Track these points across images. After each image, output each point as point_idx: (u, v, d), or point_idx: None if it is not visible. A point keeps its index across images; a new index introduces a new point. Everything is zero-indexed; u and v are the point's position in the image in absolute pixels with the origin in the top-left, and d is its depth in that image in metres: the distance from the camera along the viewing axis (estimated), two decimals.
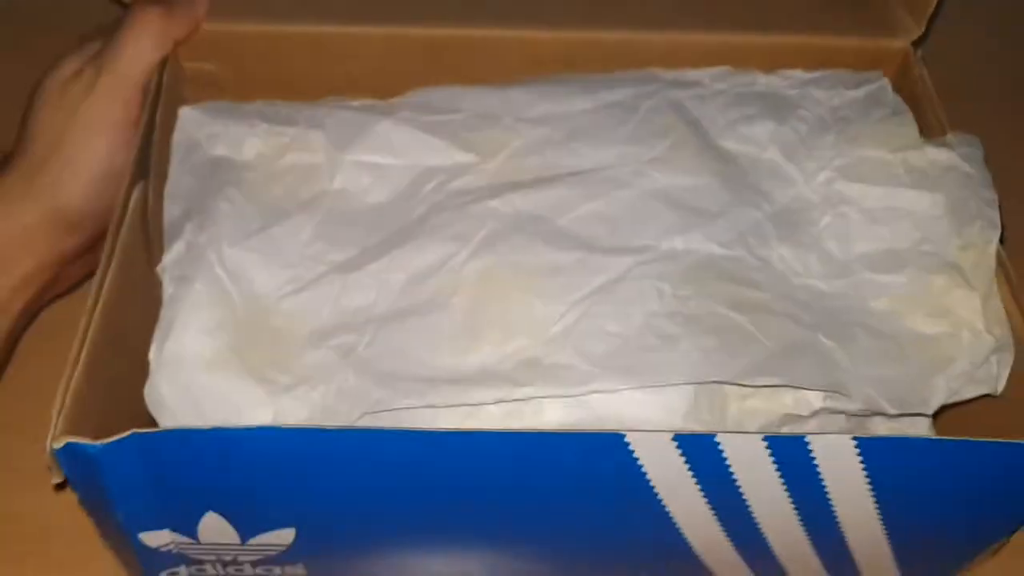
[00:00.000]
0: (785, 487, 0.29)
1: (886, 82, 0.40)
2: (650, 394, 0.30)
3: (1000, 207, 0.36)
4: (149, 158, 0.35)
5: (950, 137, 0.38)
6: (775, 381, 0.30)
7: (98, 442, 0.27)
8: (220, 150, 0.37)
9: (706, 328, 0.31)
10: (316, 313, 0.33)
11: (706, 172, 0.36)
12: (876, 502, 0.30)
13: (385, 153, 0.37)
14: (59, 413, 0.28)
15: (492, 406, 0.30)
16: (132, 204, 0.34)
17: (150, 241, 0.35)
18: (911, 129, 0.38)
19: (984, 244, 0.35)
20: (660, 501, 0.30)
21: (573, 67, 0.42)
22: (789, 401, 0.31)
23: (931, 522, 0.32)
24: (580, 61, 0.42)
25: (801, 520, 0.31)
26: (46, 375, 0.30)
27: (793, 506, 0.30)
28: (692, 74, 0.41)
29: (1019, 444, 0.28)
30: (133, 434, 0.27)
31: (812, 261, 0.35)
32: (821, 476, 0.29)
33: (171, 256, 0.33)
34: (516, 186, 0.35)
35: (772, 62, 0.42)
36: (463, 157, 0.37)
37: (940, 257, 0.35)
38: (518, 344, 0.31)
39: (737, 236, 0.35)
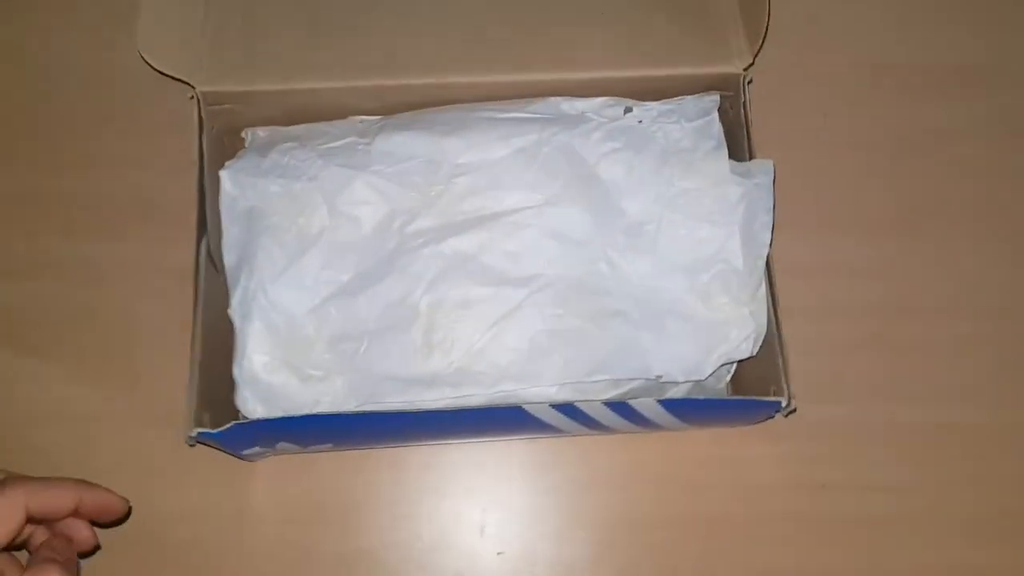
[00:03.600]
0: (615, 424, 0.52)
1: (715, 117, 0.56)
2: (535, 387, 0.51)
3: (773, 227, 0.54)
4: (205, 218, 0.53)
5: (752, 164, 0.55)
6: (606, 376, 0.51)
7: (216, 430, 0.48)
8: (252, 201, 0.54)
9: (566, 341, 0.51)
10: (331, 323, 0.52)
11: (583, 204, 0.54)
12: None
13: (363, 199, 0.54)
14: (190, 415, 0.48)
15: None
16: (201, 256, 0.52)
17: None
18: (723, 165, 0.55)
19: (756, 258, 0.53)
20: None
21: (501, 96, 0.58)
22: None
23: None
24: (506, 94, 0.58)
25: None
26: None
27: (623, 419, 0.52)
28: (580, 104, 0.57)
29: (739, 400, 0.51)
30: (235, 424, 0.48)
31: (648, 264, 0.54)
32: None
33: (235, 300, 0.52)
34: (453, 229, 0.53)
35: (639, 89, 0.57)
36: (415, 201, 0.54)
37: (729, 264, 0.53)
38: (455, 357, 0.51)
39: (600, 253, 0.54)
